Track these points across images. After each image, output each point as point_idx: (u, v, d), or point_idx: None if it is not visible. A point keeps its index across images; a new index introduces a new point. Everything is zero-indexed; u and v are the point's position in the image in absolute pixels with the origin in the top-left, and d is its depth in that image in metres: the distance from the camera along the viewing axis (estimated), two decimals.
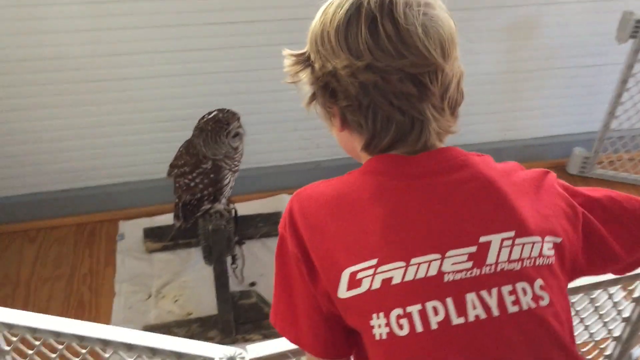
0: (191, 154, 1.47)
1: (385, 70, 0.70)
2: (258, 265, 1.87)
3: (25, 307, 1.76)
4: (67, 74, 1.83)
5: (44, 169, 1.99)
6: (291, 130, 2.04)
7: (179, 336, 1.60)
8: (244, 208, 2.05)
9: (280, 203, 2.09)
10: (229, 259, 1.71)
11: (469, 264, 0.68)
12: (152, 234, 1.94)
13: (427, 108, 0.72)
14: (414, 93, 0.71)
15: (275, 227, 1.94)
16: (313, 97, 0.79)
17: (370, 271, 0.68)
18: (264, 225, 1.97)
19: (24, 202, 2.01)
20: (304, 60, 0.77)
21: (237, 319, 1.63)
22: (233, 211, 1.64)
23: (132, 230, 2.01)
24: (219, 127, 1.43)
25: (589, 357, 1.35)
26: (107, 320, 1.70)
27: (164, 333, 1.60)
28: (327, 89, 0.75)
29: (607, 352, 1.27)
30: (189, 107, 1.90)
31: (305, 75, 0.77)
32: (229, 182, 1.52)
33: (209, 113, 1.47)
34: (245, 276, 1.83)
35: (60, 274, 1.88)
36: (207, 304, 1.71)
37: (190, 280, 1.82)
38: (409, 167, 0.73)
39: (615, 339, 1.24)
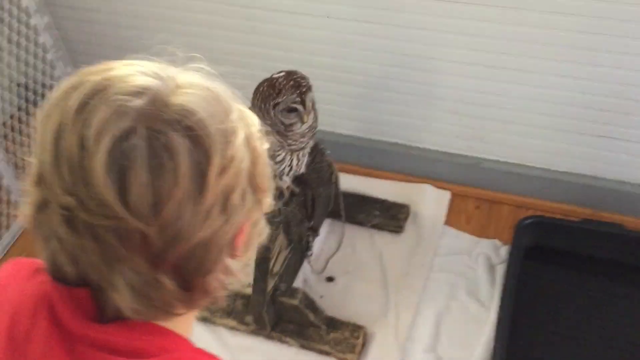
0: None
1: (51, 203, 0.50)
2: (350, 260, 1.57)
3: None
4: None
5: None
6: (451, 112, 1.61)
7: (220, 305, 1.45)
8: (372, 187, 1.74)
9: (418, 194, 1.71)
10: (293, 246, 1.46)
11: None
12: None
13: (120, 274, 0.50)
14: (93, 249, 0.49)
15: (392, 222, 1.62)
16: None
17: None
18: (380, 214, 1.64)
19: None
20: None
21: (277, 314, 1.39)
22: (308, 197, 1.36)
23: None
24: (267, 95, 1.14)
25: None
26: None
27: None
28: None
29: None
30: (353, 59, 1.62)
31: None
32: (284, 161, 1.23)
33: (279, 72, 1.18)
34: (329, 267, 1.56)
35: None
36: None
37: None
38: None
39: None
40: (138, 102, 0.49)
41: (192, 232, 0.50)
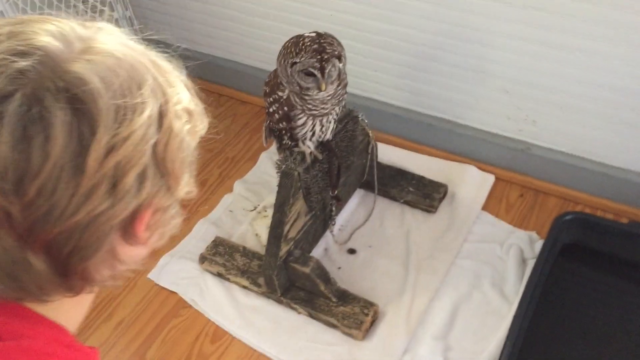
0: (275, 73, 1.17)
1: None
2: (375, 234, 1.51)
3: None
4: None
5: (246, 42, 1.89)
6: (500, 91, 1.50)
7: (237, 263, 1.44)
8: (412, 161, 1.66)
9: (459, 175, 1.62)
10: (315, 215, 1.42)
11: None
12: None
13: None
14: None
15: (426, 200, 1.55)
16: None
17: None
18: (415, 191, 1.57)
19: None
20: None
21: (290, 280, 1.37)
22: (334, 164, 1.30)
23: None
24: (288, 51, 1.08)
25: None
26: (206, 213, 1.62)
27: (227, 253, 1.46)
28: None
29: None
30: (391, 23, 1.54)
31: None
32: (305, 125, 1.17)
33: (312, 32, 1.12)
34: (353, 239, 1.51)
35: (212, 147, 1.83)
36: None
37: None
38: None
39: None
40: (22, 64, 0.44)
41: (66, 214, 0.46)
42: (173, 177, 0.53)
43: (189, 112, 0.56)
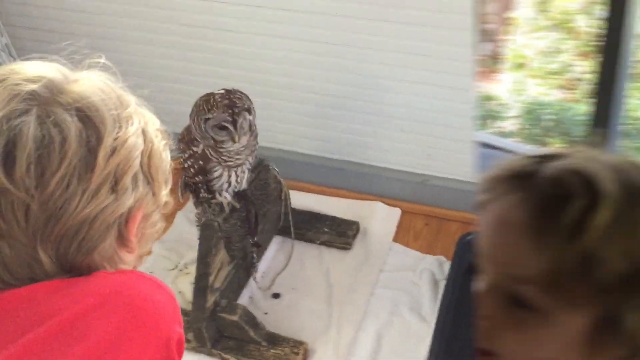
0: (188, 130, 1.24)
1: None
2: (297, 276, 1.58)
3: None
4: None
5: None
6: (398, 131, 1.64)
7: None
8: (324, 204, 1.75)
9: (368, 211, 1.73)
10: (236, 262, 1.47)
11: None
12: None
13: (5, 243, 0.54)
14: None
15: (341, 239, 1.63)
16: None
17: None
18: (330, 231, 1.66)
19: None
20: None
21: (219, 331, 1.40)
22: (251, 212, 1.37)
23: None
24: (200, 109, 1.16)
25: None
26: None
27: None
28: None
29: None
30: (287, 75, 1.65)
31: None
32: (221, 177, 1.25)
33: (221, 89, 1.20)
34: (277, 284, 1.57)
35: None
36: None
37: None
38: None
39: None
40: (32, 86, 0.54)
41: (79, 207, 0.53)
42: (157, 184, 0.61)
43: (162, 133, 0.64)
